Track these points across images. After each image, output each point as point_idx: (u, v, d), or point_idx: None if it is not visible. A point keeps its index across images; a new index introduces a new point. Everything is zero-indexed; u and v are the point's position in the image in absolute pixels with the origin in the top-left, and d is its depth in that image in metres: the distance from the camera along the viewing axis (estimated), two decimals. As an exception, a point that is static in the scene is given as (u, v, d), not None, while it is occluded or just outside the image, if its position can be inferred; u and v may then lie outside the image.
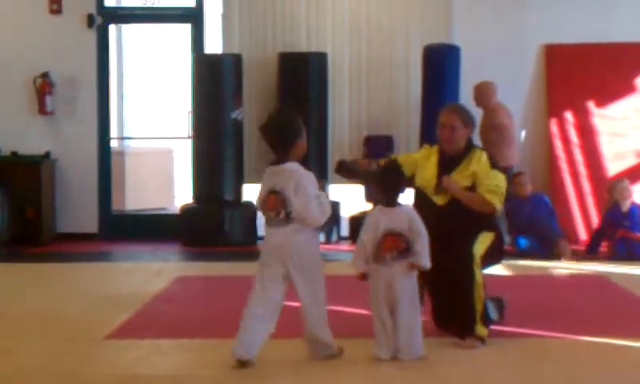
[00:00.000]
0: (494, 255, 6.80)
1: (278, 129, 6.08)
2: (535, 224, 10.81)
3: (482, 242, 6.64)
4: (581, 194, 11.91)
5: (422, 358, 6.12)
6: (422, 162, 6.89)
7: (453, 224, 6.58)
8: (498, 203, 6.67)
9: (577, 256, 10.55)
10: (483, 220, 6.72)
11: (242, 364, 5.92)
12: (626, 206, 10.64)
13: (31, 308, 8.06)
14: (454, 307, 6.61)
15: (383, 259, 6.11)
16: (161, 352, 6.50)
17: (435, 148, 6.94)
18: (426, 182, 6.76)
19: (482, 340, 6.50)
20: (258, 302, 5.99)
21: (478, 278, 6.50)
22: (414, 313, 6.14)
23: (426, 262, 6.13)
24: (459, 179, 6.68)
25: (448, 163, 6.78)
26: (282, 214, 5.96)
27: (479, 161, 6.73)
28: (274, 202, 5.99)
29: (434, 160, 6.83)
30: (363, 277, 6.19)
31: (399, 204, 6.24)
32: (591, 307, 7.96)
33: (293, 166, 6.01)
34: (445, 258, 6.38)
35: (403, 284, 6.11)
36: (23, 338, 6.91)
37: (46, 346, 6.65)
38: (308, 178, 6.02)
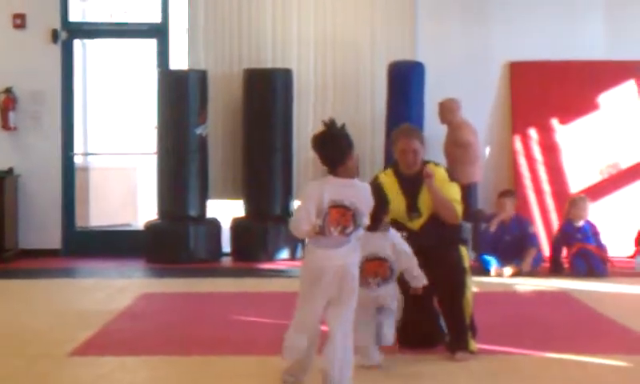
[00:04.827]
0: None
1: (333, 141, 5.58)
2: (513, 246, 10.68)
3: (466, 256, 6.71)
4: (544, 211, 11.99)
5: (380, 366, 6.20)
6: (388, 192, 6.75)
7: (431, 242, 6.57)
8: (460, 214, 6.75)
9: (541, 272, 10.55)
10: (457, 235, 6.80)
11: None
12: (579, 222, 10.74)
13: (-7, 325, 7.99)
14: (429, 324, 6.69)
15: (367, 283, 6.09)
16: (125, 369, 6.44)
17: (389, 172, 6.88)
18: (396, 211, 6.64)
19: (473, 354, 6.55)
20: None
21: (469, 293, 6.57)
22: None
23: (420, 281, 6.19)
24: (426, 198, 6.70)
25: (411, 186, 6.75)
26: (349, 231, 5.50)
27: (436, 175, 6.74)
28: (344, 215, 5.48)
29: (394, 187, 6.73)
30: None
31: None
32: (555, 323, 7.98)
33: (360, 182, 5.62)
34: (436, 271, 6.40)
35: (391, 305, 6.21)
36: (-15, 355, 6.85)
37: (9, 363, 6.57)
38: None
